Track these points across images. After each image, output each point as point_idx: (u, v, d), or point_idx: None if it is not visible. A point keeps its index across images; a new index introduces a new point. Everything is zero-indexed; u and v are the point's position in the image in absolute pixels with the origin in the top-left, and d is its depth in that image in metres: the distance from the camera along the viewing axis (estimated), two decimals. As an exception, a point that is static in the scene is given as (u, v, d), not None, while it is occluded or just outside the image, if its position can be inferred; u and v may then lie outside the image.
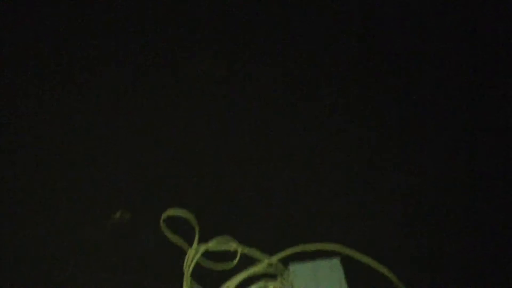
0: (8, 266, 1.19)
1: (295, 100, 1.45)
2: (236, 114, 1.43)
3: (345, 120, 1.42)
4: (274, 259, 1.18)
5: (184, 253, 1.19)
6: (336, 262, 1.18)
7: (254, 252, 1.20)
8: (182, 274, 1.16)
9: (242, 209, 1.27)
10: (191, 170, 1.33)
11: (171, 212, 1.24)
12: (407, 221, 1.26)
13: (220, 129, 1.40)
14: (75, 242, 1.22)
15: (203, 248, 1.19)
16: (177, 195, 1.28)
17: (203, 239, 1.21)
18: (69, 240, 1.22)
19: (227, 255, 1.20)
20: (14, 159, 1.34)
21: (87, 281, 1.17)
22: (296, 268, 1.17)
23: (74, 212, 1.26)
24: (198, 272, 1.18)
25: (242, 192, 1.29)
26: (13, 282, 1.16)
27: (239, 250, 1.20)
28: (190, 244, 1.20)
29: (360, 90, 1.45)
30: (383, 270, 1.18)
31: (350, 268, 1.18)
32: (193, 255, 1.19)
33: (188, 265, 1.17)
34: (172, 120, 1.41)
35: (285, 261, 1.18)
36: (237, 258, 1.19)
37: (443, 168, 1.34)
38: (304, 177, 1.32)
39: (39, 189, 1.29)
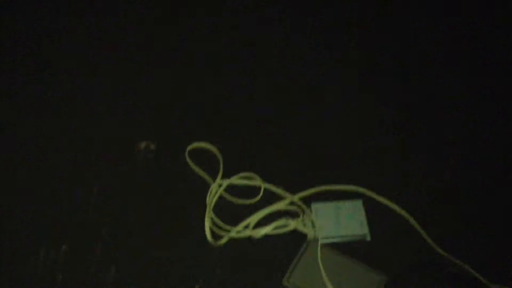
0: (30, 193, 1.20)
1: (322, 43, 1.44)
2: (265, 49, 1.42)
3: (371, 63, 1.41)
4: (297, 197, 1.19)
5: (207, 187, 1.20)
6: (358, 203, 1.18)
7: (277, 190, 1.20)
8: (204, 208, 1.17)
9: (268, 147, 1.27)
10: (219, 105, 1.33)
11: (196, 145, 1.25)
12: (430, 167, 1.26)
13: (247, 65, 1.39)
14: (99, 169, 1.23)
15: (226, 182, 1.20)
16: (203, 129, 1.28)
17: (227, 174, 1.22)
18: (93, 168, 1.23)
19: (250, 191, 1.21)
20: (39, 93, 1.35)
21: (110, 208, 1.18)
22: (318, 207, 1.17)
23: (99, 140, 1.26)
24: (220, 207, 1.19)
25: (268, 130, 1.29)
26: (36, 208, 1.18)
27: (262, 187, 1.20)
28: (214, 178, 1.21)
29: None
30: (404, 213, 1.18)
31: (372, 210, 1.19)
32: (216, 189, 1.19)
33: (211, 199, 1.18)
34: (200, 53, 1.41)
35: (308, 201, 1.19)
36: (260, 195, 1.19)
37: (469, 115, 1.34)
38: (332, 119, 1.32)
39: (64, 121, 1.29)
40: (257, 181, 1.21)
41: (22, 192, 1.19)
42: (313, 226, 1.15)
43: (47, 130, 1.28)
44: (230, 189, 1.21)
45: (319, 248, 1.11)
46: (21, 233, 1.14)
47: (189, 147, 1.24)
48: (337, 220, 1.16)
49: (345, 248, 1.14)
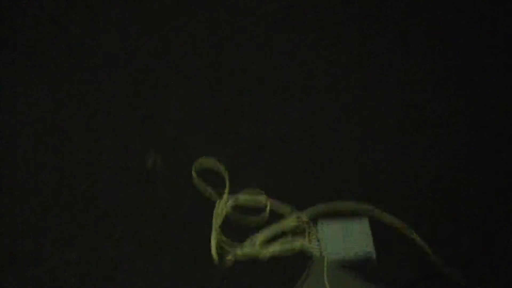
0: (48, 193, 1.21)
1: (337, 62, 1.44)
2: (273, 65, 1.42)
3: (379, 80, 1.42)
4: (303, 215, 1.19)
5: (213, 204, 1.20)
6: (364, 222, 1.18)
7: (283, 208, 1.20)
8: (210, 224, 1.17)
9: (274, 164, 1.27)
10: (225, 121, 1.33)
11: (202, 161, 1.25)
12: (436, 184, 1.26)
13: (255, 82, 1.39)
14: (104, 184, 1.23)
15: (232, 200, 1.20)
16: (210, 146, 1.28)
17: (233, 192, 1.22)
18: (97, 184, 1.23)
19: (256, 209, 1.21)
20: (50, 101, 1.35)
21: (115, 222, 1.18)
22: (324, 226, 1.17)
23: (107, 155, 1.27)
24: (226, 224, 1.19)
25: (276, 147, 1.29)
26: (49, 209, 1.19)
27: (268, 204, 1.20)
28: (220, 196, 1.21)
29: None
30: (410, 232, 1.18)
31: (378, 227, 1.18)
32: (222, 207, 1.19)
33: (217, 216, 1.18)
34: (208, 69, 1.41)
35: (314, 219, 1.19)
36: (266, 212, 1.20)
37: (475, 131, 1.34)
38: (339, 137, 1.32)
39: (74, 133, 1.30)
40: (263, 199, 1.21)
41: (37, 196, 1.20)
42: (319, 244, 1.15)
43: (58, 142, 1.28)
44: (237, 206, 1.21)
45: (325, 266, 1.11)
46: (35, 236, 1.15)
47: (196, 163, 1.24)
48: (343, 238, 1.16)
49: (351, 266, 1.14)
